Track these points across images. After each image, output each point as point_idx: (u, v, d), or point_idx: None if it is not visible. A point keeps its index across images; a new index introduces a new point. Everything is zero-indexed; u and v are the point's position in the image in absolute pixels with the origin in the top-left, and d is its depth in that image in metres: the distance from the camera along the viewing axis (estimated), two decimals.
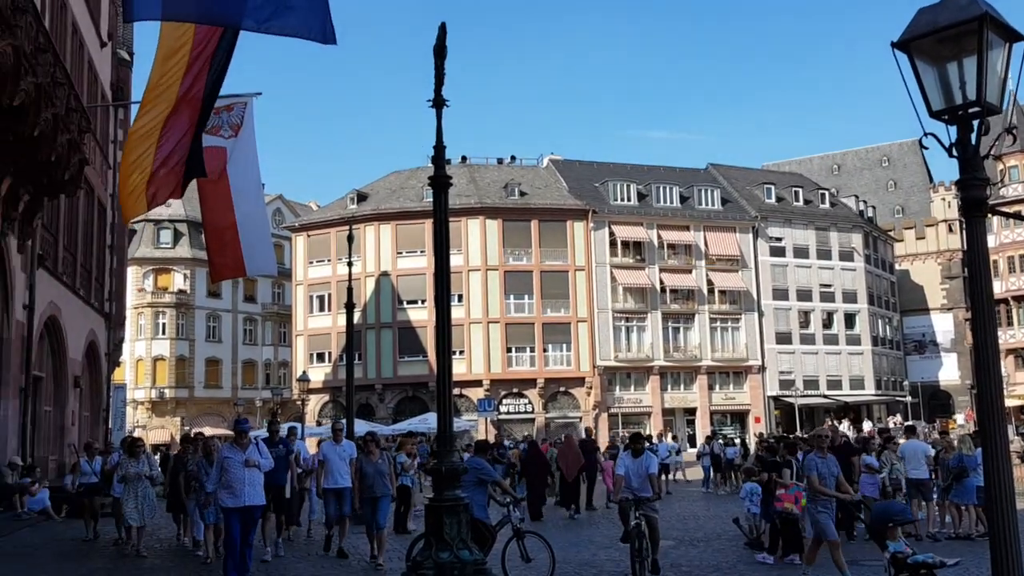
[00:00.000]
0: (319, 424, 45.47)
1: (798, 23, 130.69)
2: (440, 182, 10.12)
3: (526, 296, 51.87)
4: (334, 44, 9.24)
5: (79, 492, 15.59)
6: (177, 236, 63.02)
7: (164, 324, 61.61)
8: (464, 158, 57.54)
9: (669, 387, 53.86)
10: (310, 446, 23.16)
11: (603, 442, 37.49)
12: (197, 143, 11.61)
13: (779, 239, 57.46)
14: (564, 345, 51.95)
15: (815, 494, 10.14)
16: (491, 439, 32.02)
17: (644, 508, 10.54)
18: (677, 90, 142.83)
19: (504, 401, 50.58)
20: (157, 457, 19.50)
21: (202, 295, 62.80)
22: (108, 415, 28.69)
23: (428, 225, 49.12)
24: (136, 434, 46.41)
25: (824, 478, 10.08)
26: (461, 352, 48.24)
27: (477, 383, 49.41)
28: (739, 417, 55.05)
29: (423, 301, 50.09)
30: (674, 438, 35.96)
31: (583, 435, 25.72)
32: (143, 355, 60.77)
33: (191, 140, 11.55)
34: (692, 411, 53.99)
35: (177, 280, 62.80)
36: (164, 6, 8.88)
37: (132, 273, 51.75)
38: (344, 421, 17.25)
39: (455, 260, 47.18)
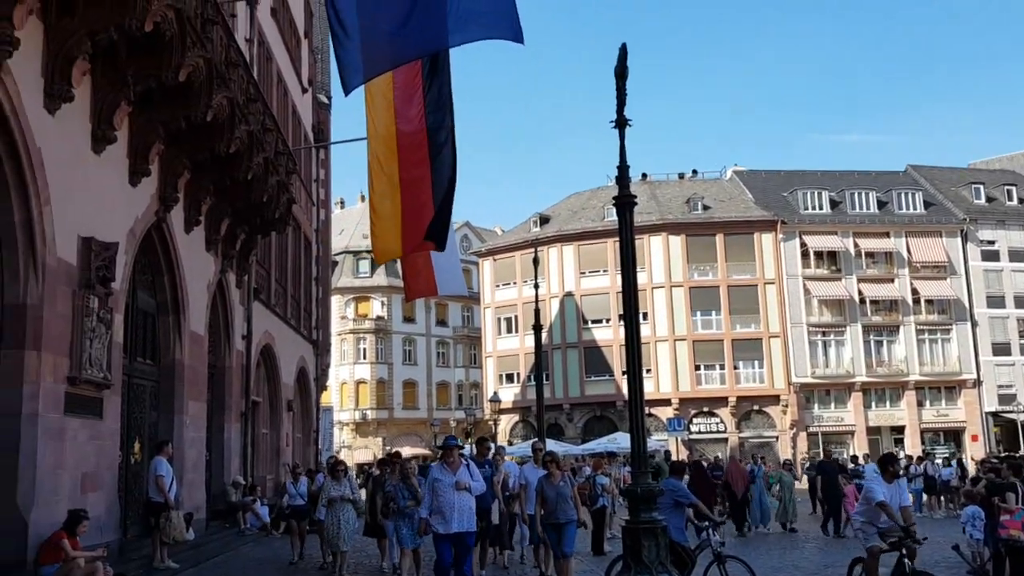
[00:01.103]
0: (511, 443, 46.31)
1: (1001, 8, 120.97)
2: (625, 202, 10.13)
3: (713, 312, 50.70)
4: (522, 43, 8.97)
5: (287, 514, 16.24)
6: (374, 265, 66.35)
7: (365, 349, 64.90)
8: (644, 175, 57.15)
9: (873, 404, 50.85)
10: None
11: (791, 463, 35.78)
12: (444, 213, 11.93)
13: (991, 242, 53.07)
14: (756, 362, 50.28)
15: None
16: (683, 459, 31.42)
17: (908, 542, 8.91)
18: (867, 89, 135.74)
19: (694, 420, 49.55)
20: (359, 479, 20.34)
21: (398, 320, 65.71)
22: (318, 436, 30.49)
23: (610, 244, 49.21)
24: (341, 454, 49.13)
25: None
26: (648, 371, 47.76)
27: (666, 402, 48.70)
28: (953, 435, 51.11)
29: (607, 320, 50.07)
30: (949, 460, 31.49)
31: (723, 458, 24.66)
32: (347, 379, 64.23)
33: (431, 200, 11.94)
34: (900, 429, 50.66)
35: (375, 307, 66.05)
36: (366, 68, 9.28)
37: (335, 302, 54.95)
38: (543, 442, 17.33)
39: (639, 278, 46.75)
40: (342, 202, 72.95)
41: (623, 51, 10.50)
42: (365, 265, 66.51)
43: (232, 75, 13.10)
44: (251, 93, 14.56)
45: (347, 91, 9.14)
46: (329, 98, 32.18)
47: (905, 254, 51.94)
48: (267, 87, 20.66)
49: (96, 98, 10.58)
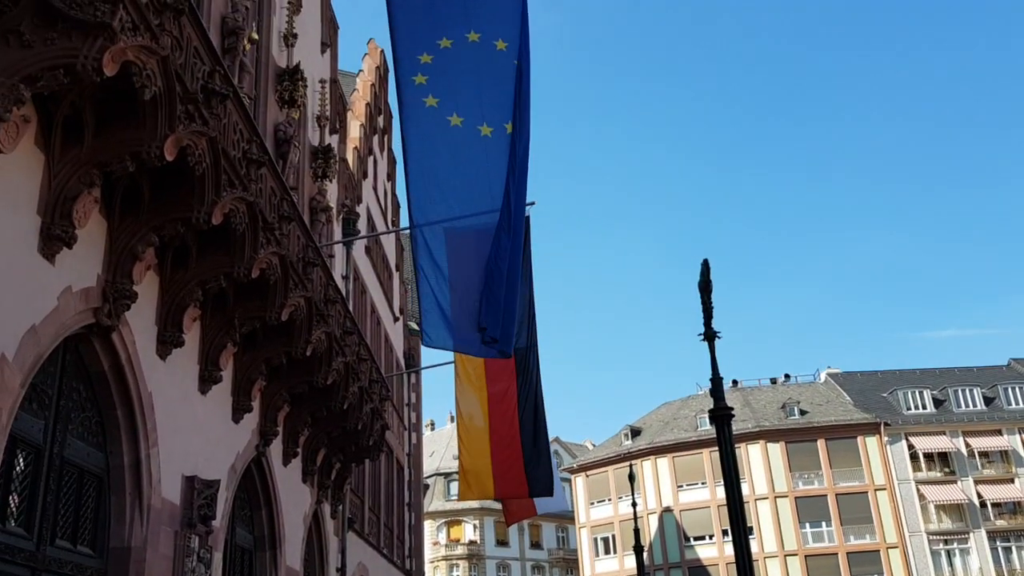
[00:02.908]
0: None
1: None
2: (722, 415, 9.96)
3: (823, 523, 47.96)
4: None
5: None
6: None
7: None
8: (735, 381, 56.33)
9: None
10: None
11: None
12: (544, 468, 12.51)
13: None
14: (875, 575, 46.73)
15: None
16: None
17: None
18: (961, 283, 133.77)
19: None
20: None
21: (491, 544, 63.86)
22: None
23: (707, 454, 47.84)
24: None
25: None
26: None
27: None
28: None
29: (711, 536, 47.71)
30: None
31: None
32: None
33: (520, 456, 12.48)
34: None
35: (468, 531, 64.54)
36: (456, 342, 9.88)
37: (427, 526, 53.94)
38: None
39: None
40: (432, 424, 73.44)
41: (705, 266, 10.70)
42: (456, 487, 65.75)
43: (330, 311, 13.70)
44: (347, 326, 15.15)
45: (427, 344, 9.63)
46: (418, 324, 33.23)
47: (1022, 451, 48.89)
48: (362, 318, 21.51)
49: (204, 341, 11.14)
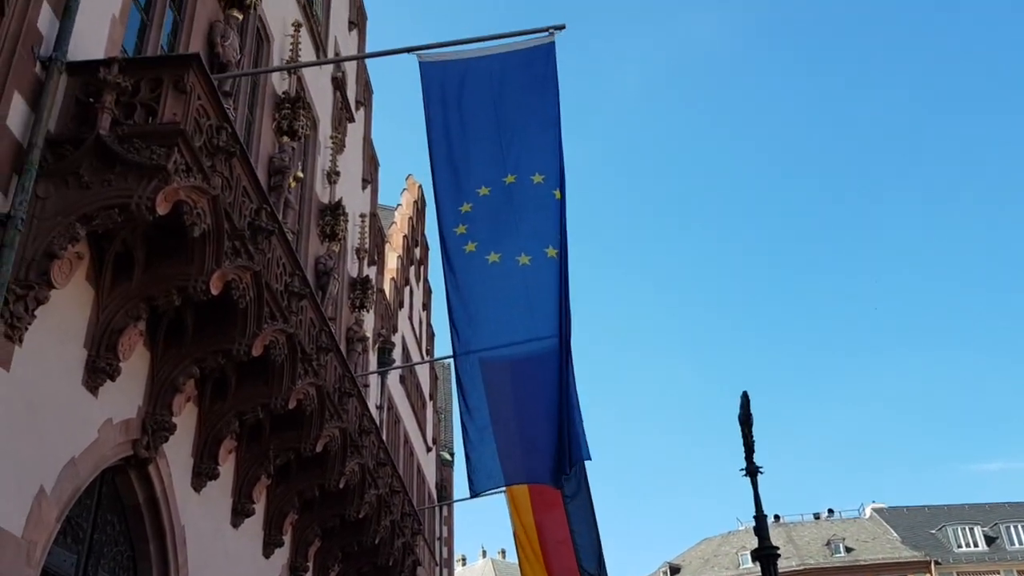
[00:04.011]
0: None
1: None
2: (767, 554, 9.62)
3: None
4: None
5: None
6: None
7: None
8: (777, 516, 54.44)
9: None
10: None
11: None
12: None
13: None
14: None
15: None
16: None
17: None
18: (1009, 413, 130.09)
19: None
20: None
21: None
22: None
23: None
24: None
25: None
26: None
27: None
28: None
29: None
30: None
31: None
32: None
33: None
34: None
35: None
36: (506, 475, 9.87)
37: None
38: None
39: None
40: (463, 559, 71.47)
41: (745, 398, 10.58)
42: None
43: (364, 442, 13.63)
44: (381, 457, 15.02)
45: (474, 493, 9.54)
46: (452, 455, 32.87)
47: None
48: (395, 449, 21.33)
49: (239, 473, 11.08)
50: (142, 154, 7.10)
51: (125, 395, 8.31)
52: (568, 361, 9.24)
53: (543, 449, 9.37)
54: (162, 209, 7.11)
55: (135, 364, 8.48)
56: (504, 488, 16.92)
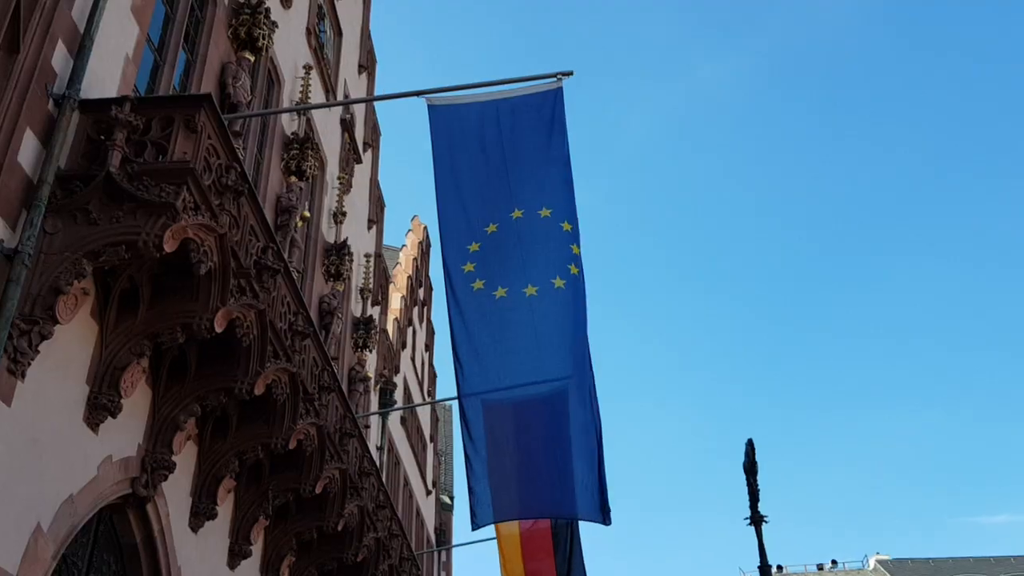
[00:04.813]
0: None
1: None
2: None
3: None
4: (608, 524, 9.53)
5: None
6: None
7: None
8: (780, 567, 53.76)
9: None
10: None
11: None
12: None
13: None
14: None
15: None
16: None
17: None
18: (1012, 465, 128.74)
19: None
20: None
21: None
22: None
23: None
24: None
25: None
26: None
27: None
28: None
29: None
30: None
31: None
32: None
33: None
34: None
35: None
36: (496, 511, 9.72)
37: None
38: None
39: None
40: None
41: (750, 446, 10.48)
42: None
43: (364, 484, 13.49)
44: (380, 500, 14.86)
45: (476, 527, 9.42)
46: (451, 499, 32.56)
47: None
48: (394, 491, 21.12)
49: (237, 514, 10.95)
50: (151, 192, 7.12)
51: (126, 432, 8.25)
52: (594, 397, 9.13)
53: (544, 485, 9.27)
54: (169, 247, 7.12)
55: (137, 401, 8.43)
56: (495, 536, 16.83)
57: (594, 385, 9.27)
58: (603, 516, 9.29)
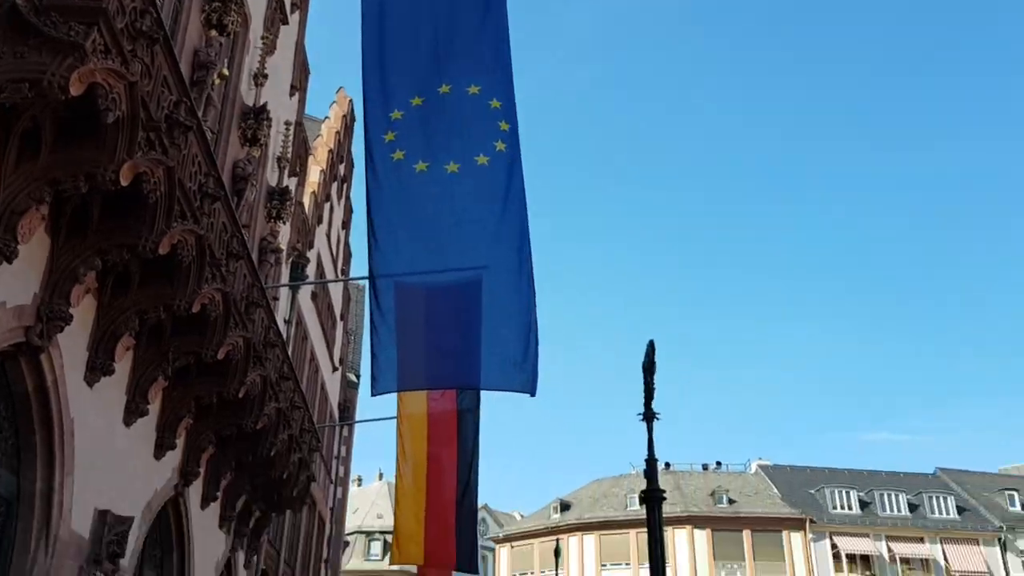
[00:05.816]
0: None
1: None
2: (654, 496, 9.95)
3: None
4: (533, 395, 9.53)
5: None
6: (386, 547, 64.08)
7: None
8: (667, 464, 56.29)
9: None
10: None
11: None
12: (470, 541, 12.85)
13: None
14: None
15: None
16: None
17: None
18: (897, 388, 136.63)
19: None
20: None
21: None
22: None
23: (633, 535, 47.62)
24: None
25: None
26: None
27: None
28: None
29: None
30: None
31: None
32: None
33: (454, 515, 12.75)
34: None
35: None
36: (400, 380, 9.77)
37: None
38: None
39: None
40: (359, 480, 72.00)
41: (651, 347, 10.78)
42: (377, 547, 64.24)
43: (268, 354, 13.48)
44: (284, 371, 14.90)
45: (376, 392, 9.52)
46: (358, 376, 32.87)
47: (942, 561, 49.60)
48: (300, 365, 21.19)
49: (135, 372, 10.85)
50: (60, 29, 6.73)
51: (21, 280, 8.01)
52: (529, 278, 9.12)
53: (457, 356, 9.38)
54: (75, 89, 6.78)
55: (34, 249, 8.16)
56: (396, 416, 17.02)
57: (531, 267, 9.18)
58: (532, 387, 9.28)
